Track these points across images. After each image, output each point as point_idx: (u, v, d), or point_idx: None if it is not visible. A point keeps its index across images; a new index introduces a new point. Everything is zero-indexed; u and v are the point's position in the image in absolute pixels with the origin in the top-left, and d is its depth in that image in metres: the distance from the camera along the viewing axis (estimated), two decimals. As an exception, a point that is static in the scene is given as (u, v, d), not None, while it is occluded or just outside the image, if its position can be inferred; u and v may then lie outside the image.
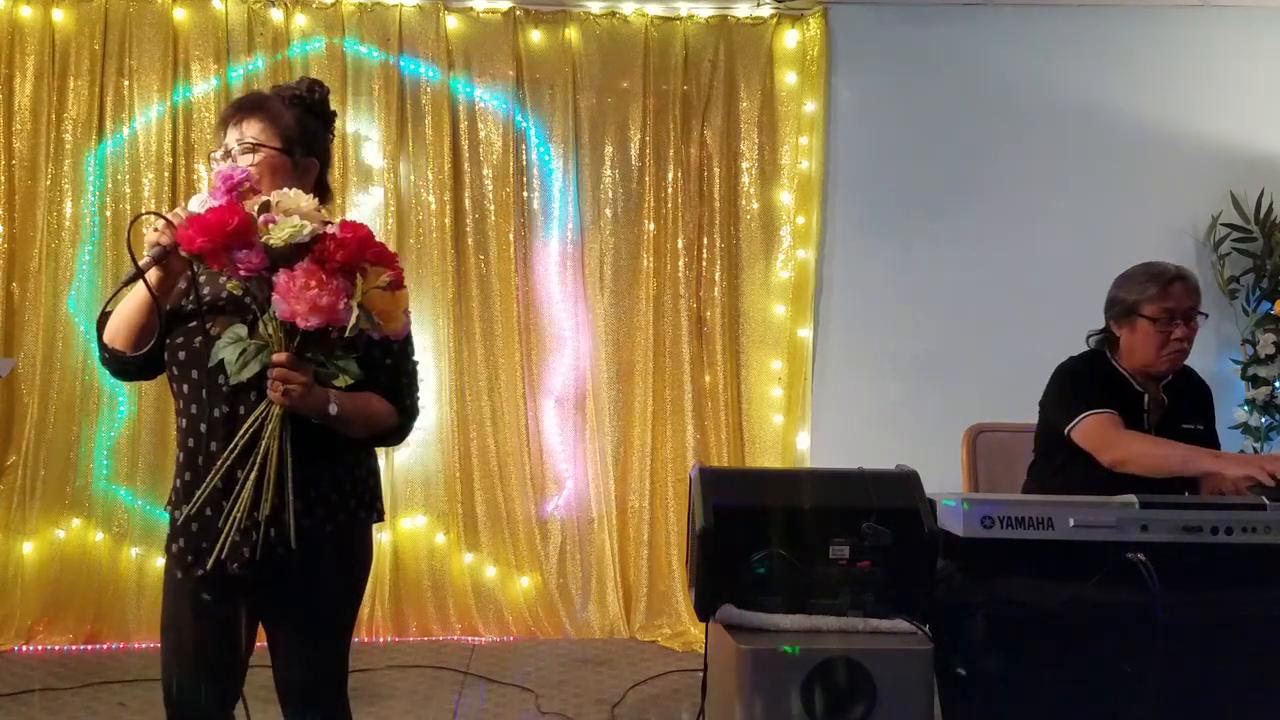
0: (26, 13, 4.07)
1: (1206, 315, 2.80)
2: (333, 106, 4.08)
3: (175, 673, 1.94)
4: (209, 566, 1.80)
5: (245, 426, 1.76)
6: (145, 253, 1.75)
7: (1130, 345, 2.78)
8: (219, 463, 1.78)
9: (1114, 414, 2.65)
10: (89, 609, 4.01)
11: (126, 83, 4.08)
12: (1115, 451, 2.60)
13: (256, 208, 1.71)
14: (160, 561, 3.97)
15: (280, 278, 1.66)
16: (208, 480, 1.78)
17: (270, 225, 1.68)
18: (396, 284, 1.75)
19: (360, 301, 1.70)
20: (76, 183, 4.07)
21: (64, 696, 3.46)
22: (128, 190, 4.08)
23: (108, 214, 4.07)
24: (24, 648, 3.91)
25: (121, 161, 4.08)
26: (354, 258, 1.68)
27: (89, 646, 3.96)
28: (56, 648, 3.93)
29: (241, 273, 1.68)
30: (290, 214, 1.70)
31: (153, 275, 1.77)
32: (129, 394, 4.06)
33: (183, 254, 1.72)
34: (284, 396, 1.71)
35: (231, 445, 1.76)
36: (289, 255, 1.68)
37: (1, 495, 4.05)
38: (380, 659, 3.86)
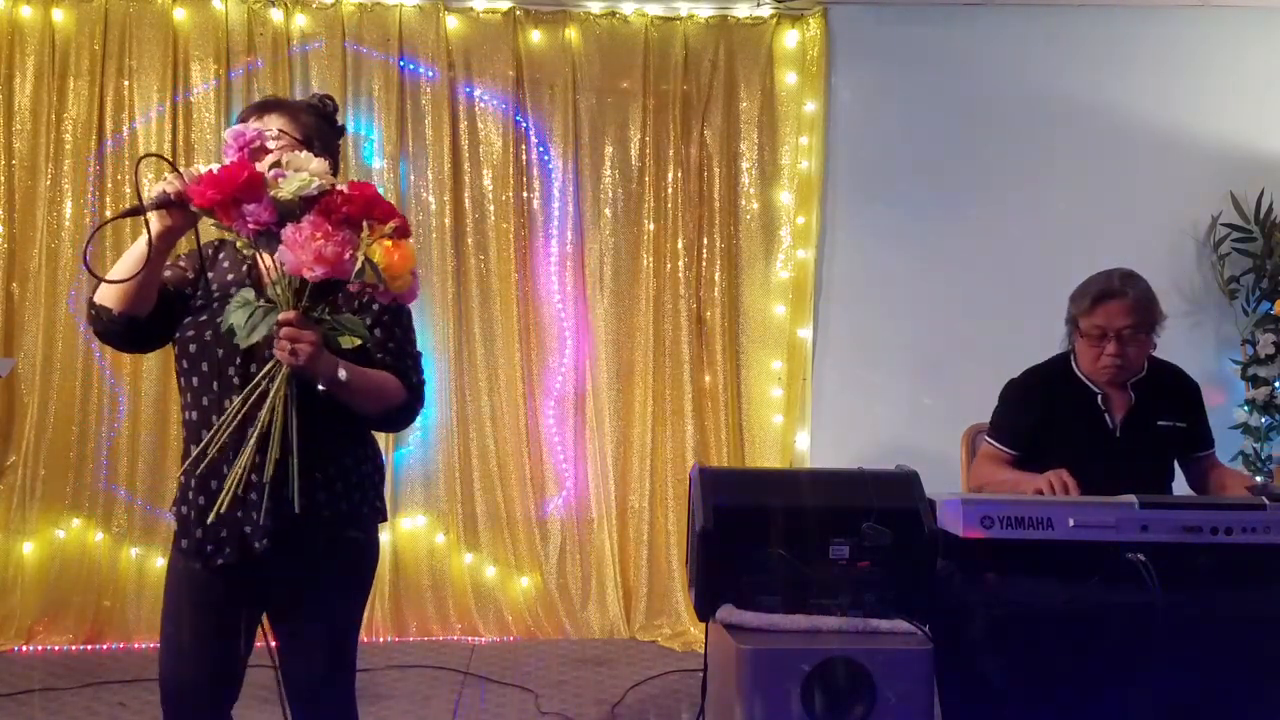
0: (26, 13, 4.07)
1: (1156, 334, 2.78)
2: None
3: (175, 668, 1.95)
4: (209, 520, 1.82)
5: (251, 384, 1.77)
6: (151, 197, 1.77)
7: (1078, 352, 2.84)
8: (224, 417, 1.79)
9: (998, 449, 2.85)
10: (89, 609, 4.00)
11: (126, 83, 4.08)
12: (971, 481, 2.92)
13: (268, 166, 1.74)
14: (161, 562, 3.98)
15: (287, 231, 1.68)
16: (213, 432, 1.80)
17: (279, 180, 1.71)
18: (402, 231, 1.76)
19: (365, 254, 1.71)
20: (76, 183, 4.07)
21: (64, 696, 3.46)
22: (128, 190, 4.07)
23: (107, 214, 4.07)
24: (24, 648, 3.91)
25: (121, 161, 4.08)
26: (360, 212, 1.70)
27: (89, 646, 3.96)
28: (56, 648, 3.93)
29: (250, 226, 1.69)
30: (300, 171, 1.73)
31: (156, 223, 1.77)
32: (129, 394, 4.06)
33: (193, 209, 1.73)
34: (291, 356, 1.72)
35: (239, 400, 1.78)
36: (297, 211, 1.70)
37: (1, 495, 4.05)
38: (380, 659, 3.86)
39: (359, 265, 1.70)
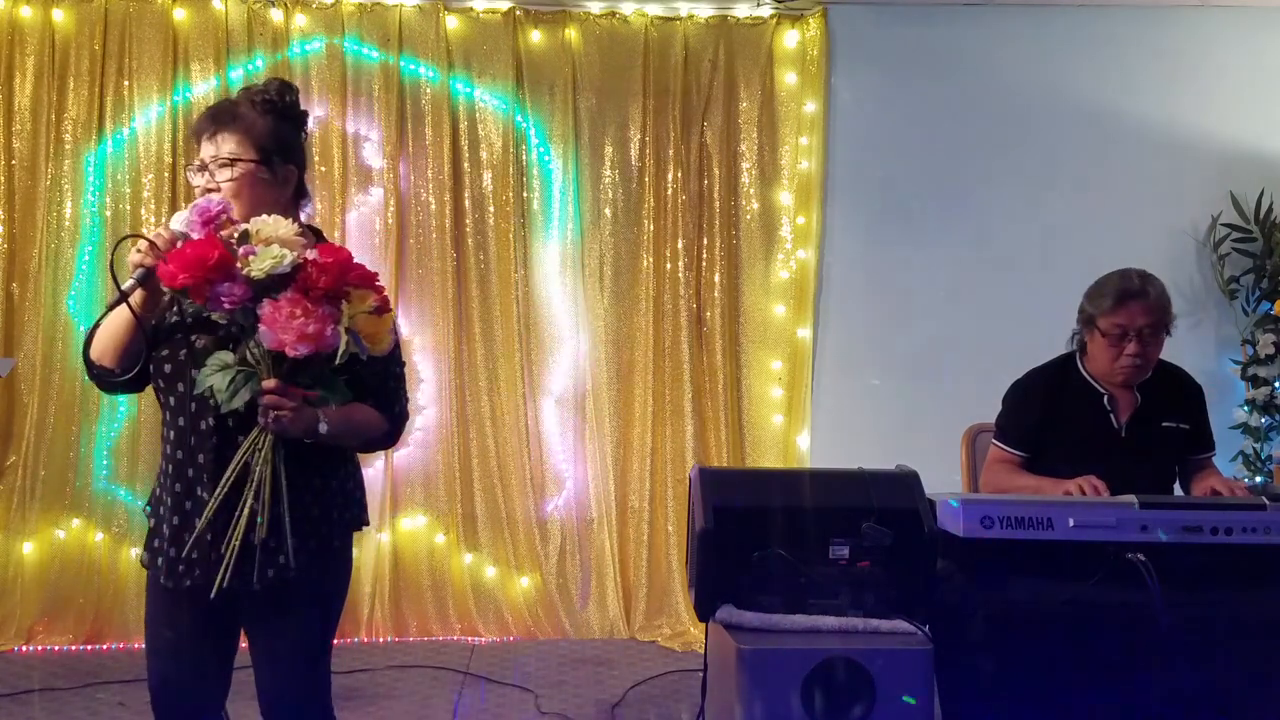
0: (26, 13, 4.07)
1: (1169, 333, 2.79)
2: (333, 107, 4.07)
3: (163, 674, 1.95)
4: (213, 595, 1.78)
5: (238, 455, 1.76)
6: (129, 274, 1.77)
7: (1092, 353, 2.83)
8: (214, 495, 1.77)
9: (1008, 452, 2.85)
10: (89, 609, 4.00)
11: (126, 83, 4.08)
12: (984, 487, 2.89)
13: (236, 237, 1.71)
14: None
15: (265, 309, 1.66)
16: (205, 514, 1.79)
17: (250, 257, 1.68)
18: (382, 308, 1.76)
19: (348, 327, 1.70)
20: (76, 183, 4.07)
21: (64, 696, 3.46)
22: (128, 190, 4.08)
23: (107, 214, 4.07)
24: (24, 648, 3.91)
25: (121, 161, 4.08)
26: (336, 283, 1.69)
27: (89, 646, 3.96)
28: (56, 648, 3.93)
29: (225, 305, 1.68)
30: (270, 242, 1.70)
31: (137, 296, 1.78)
32: (128, 395, 4.05)
33: (163, 288, 1.73)
34: (275, 423, 1.72)
35: (224, 479, 1.77)
36: (273, 285, 1.68)
37: (1, 495, 4.05)
38: (380, 659, 3.86)
39: (344, 343, 1.69)
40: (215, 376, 1.72)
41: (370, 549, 4.12)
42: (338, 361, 1.71)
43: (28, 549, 4.01)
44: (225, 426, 1.84)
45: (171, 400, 1.90)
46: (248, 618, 1.95)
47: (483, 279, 4.24)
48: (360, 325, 1.73)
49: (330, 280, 1.68)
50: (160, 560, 1.90)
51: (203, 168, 1.88)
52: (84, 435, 4.05)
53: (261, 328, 1.67)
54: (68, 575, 4.01)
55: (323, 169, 4.12)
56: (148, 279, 1.76)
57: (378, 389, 1.93)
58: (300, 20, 4.13)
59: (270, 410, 1.71)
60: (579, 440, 4.28)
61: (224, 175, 1.86)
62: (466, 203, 4.23)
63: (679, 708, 3.50)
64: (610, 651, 4.03)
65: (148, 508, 1.98)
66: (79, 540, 4.03)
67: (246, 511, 1.75)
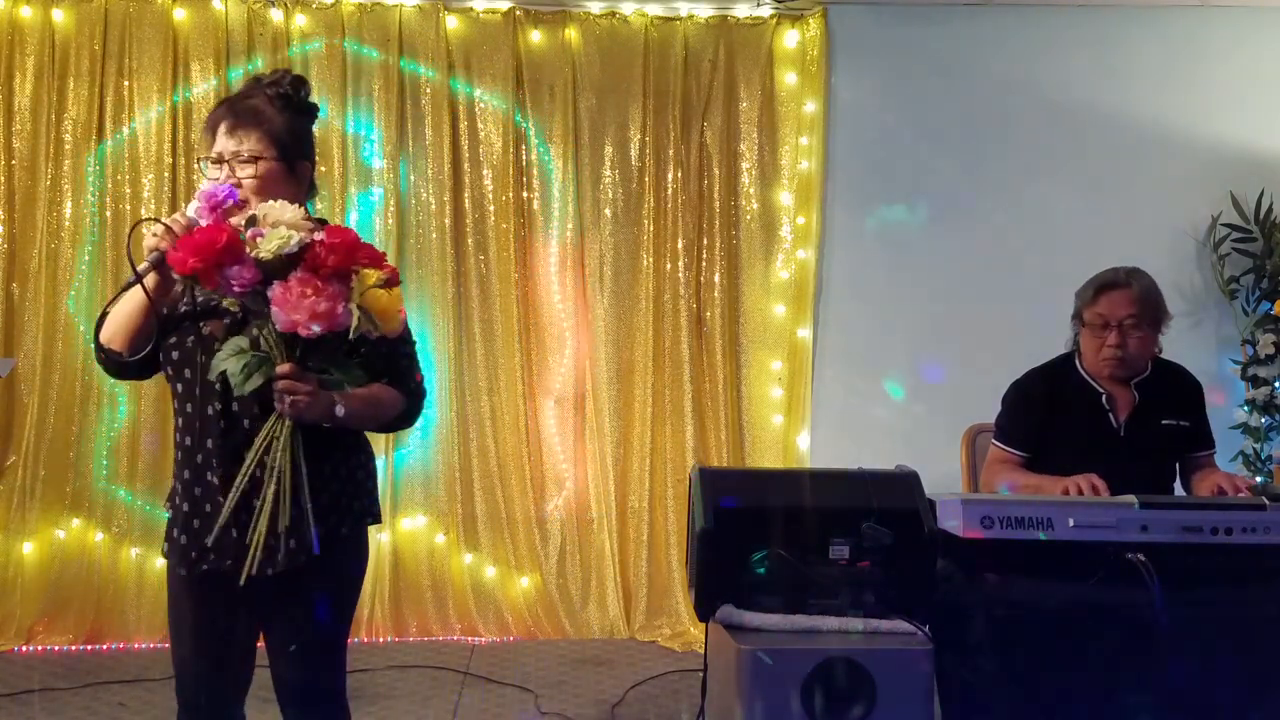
0: (26, 13, 4.07)
1: (1160, 331, 2.80)
2: (333, 107, 4.08)
3: (188, 667, 1.97)
4: (242, 581, 1.80)
5: (256, 446, 1.77)
6: (144, 258, 1.77)
7: (1082, 347, 2.86)
8: (235, 487, 1.79)
9: (1008, 452, 2.85)
10: (89, 609, 4.00)
11: (126, 83, 4.08)
12: (984, 487, 2.90)
13: (244, 223, 1.72)
14: (161, 562, 3.98)
15: (275, 290, 1.67)
16: (226, 508, 1.80)
17: (258, 239, 1.69)
18: (392, 281, 1.76)
19: (359, 304, 1.70)
20: (76, 183, 4.07)
21: (64, 696, 3.46)
22: (128, 190, 4.08)
23: (107, 214, 4.07)
24: (24, 648, 3.91)
25: (121, 161, 4.08)
26: (345, 262, 1.70)
27: (89, 646, 3.96)
28: (56, 648, 3.93)
29: (235, 289, 1.68)
30: (276, 225, 1.70)
31: (151, 280, 1.79)
32: (129, 394, 4.06)
33: (174, 276, 1.74)
34: (291, 408, 1.72)
35: (242, 471, 1.78)
36: (281, 267, 1.68)
37: (1, 495, 4.05)
38: (380, 659, 3.86)
39: (355, 318, 1.69)
40: (229, 361, 1.72)
41: (370, 549, 4.11)
42: (350, 337, 1.71)
43: (28, 549, 4.01)
44: (231, 412, 1.85)
45: (180, 386, 1.91)
46: (261, 606, 1.96)
47: (483, 279, 4.24)
48: (370, 302, 1.73)
49: (339, 259, 1.68)
50: (174, 547, 1.92)
51: (219, 160, 1.89)
52: (84, 435, 4.05)
53: (273, 309, 1.67)
54: (68, 575, 4.01)
55: (323, 169, 4.12)
56: (162, 262, 1.76)
57: (390, 368, 1.94)
58: (300, 20, 4.13)
59: (286, 395, 1.71)
60: (579, 440, 4.28)
61: (246, 172, 1.88)
62: (466, 203, 4.23)
63: (679, 708, 3.50)
64: (610, 651, 4.03)
65: (167, 503, 2.00)
66: (79, 540, 4.03)
67: (269, 500, 1.75)
